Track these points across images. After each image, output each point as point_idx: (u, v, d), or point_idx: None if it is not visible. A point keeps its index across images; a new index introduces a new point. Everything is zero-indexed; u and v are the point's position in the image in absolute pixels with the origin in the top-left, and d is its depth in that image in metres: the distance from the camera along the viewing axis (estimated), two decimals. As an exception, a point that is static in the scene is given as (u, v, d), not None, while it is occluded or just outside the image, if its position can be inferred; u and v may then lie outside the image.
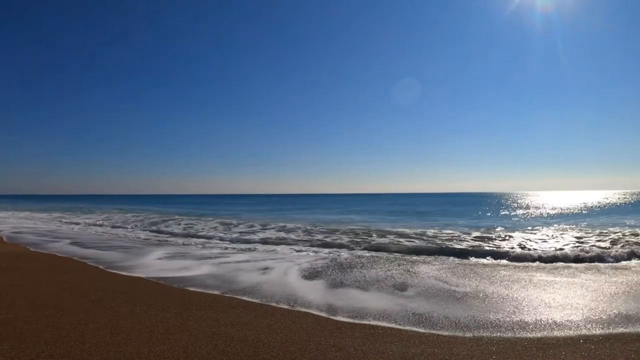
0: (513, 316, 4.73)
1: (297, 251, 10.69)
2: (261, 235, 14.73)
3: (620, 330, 4.20)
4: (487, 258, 9.40)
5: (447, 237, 13.42)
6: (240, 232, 15.70)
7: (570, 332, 4.13)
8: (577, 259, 8.87)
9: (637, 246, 9.21)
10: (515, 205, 50.81)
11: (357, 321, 4.57)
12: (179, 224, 20.03)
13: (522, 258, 9.14)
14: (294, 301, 5.44)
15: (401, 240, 12.37)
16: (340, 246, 11.55)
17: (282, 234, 14.95)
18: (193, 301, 5.37)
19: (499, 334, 4.13)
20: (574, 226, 18.82)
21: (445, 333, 4.16)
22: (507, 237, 13.66)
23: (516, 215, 29.59)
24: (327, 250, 10.91)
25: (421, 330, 4.27)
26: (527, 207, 43.17)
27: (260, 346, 3.67)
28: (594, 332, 4.14)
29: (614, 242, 10.61)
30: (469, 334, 4.12)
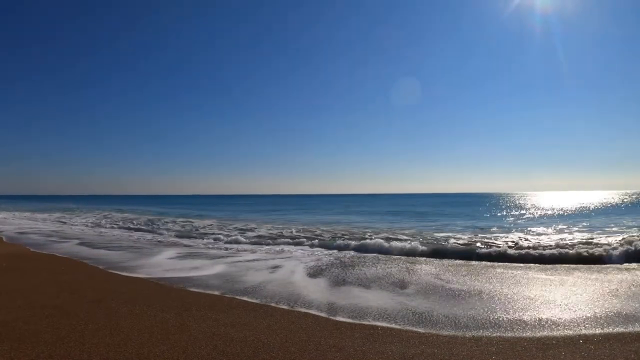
0: (512, 316, 4.74)
1: (301, 251, 10.73)
2: (265, 235, 14.77)
3: (620, 330, 4.20)
4: (486, 258, 9.40)
5: (444, 238, 13.44)
6: (242, 233, 15.70)
7: (570, 332, 4.14)
8: (576, 259, 8.88)
9: (635, 246, 9.22)
10: (514, 205, 50.85)
11: (356, 321, 4.58)
12: (181, 224, 20.06)
13: (520, 258, 9.14)
14: (294, 301, 5.44)
15: (400, 240, 12.38)
16: (340, 247, 11.56)
17: (283, 234, 14.97)
18: (193, 302, 5.37)
19: (498, 334, 4.13)
20: (572, 226, 18.84)
21: (445, 333, 4.17)
22: (505, 238, 13.68)
23: (514, 216, 29.62)
24: (327, 251, 10.93)
25: (421, 330, 4.27)
26: (526, 208, 43.21)
27: (260, 346, 3.67)
28: (593, 332, 4.15)
29: (612, 243, 10.63)
30: (468, 334, 4.12)
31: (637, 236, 11.59)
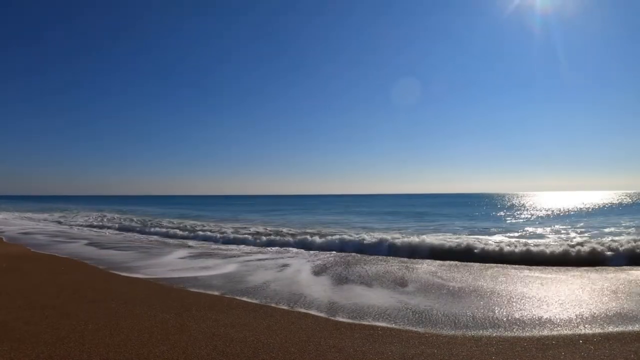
0: (512, 316, 4.74)
1: (303, 252, 10.77)
2: (271, 235, 14.79)
3: (620, 330, 4.21)
4: (485, 259, 9.41)
5: (443, 238, 13.42)
6: (245, 233, 15.69)
7: (570, 333, 4.14)
8: (575, 260, 8.88)
9: (635, 248, 9.22)
10: (514, 206, 50.89)
11: (356, 321, 4.58)
12: (183, 225, 20.01)
13: (520, 259, 9.15)
14: (295, 301, 5.45)
15: (399, 241, 12.37)
16: (339, 248, 11.54)
17: (285, 234, 14.96)
18: (193, 302, 5.37)
19: (498, 334, 4.13)
20: (571, 227, 18.86)
21: (445, 333, 4.17)
22: (504, 238, 13.68)
23: (514, 216, 29.65)
24: (327, 252, 10.93)
25: (420, 330, 4.28)
26: (525, 208, 43.25)
27: (260, 347, 3.68)
28: (593, 332, 4.15)
29: (610, 243, 10.63)
30: (468, 334, 4.13)
31: (631, 235, 11.61)
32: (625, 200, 64.94)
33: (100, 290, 5.98)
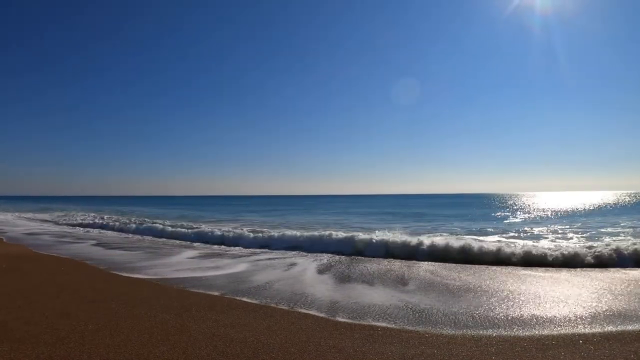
0: (512, 316, 4.74)
1: (305, 254, 10.80)
2: (270, 235, 14.75)
3: (619, 330, 4.21)
4: (484, 259, 9.41)
5: (441, 238, 13.41)
6: (245, 233, 15.67)
7: (569, 333, 4.14)
8: (574, 260, 8.87)
9: (634, 249, 9.22)
10: (513, 206, 50.90)
11: (356, 322, 4.58)
12: (184, 225, 19.97)
13: (519, 259, 9.13)
14: (295, 302, 5.45)
15: (398, 241, 12.36)
16: (338, 250, 11.51)
17: (286, 234, 14.93)
18: (193, 302, 5.37)
19: (498, 334, 4.14)
20: (571, 227, 18.87)
21: (445, 333, 4.18)
22: (503, 238, 13.69)
23: (513, 216, 29.66)
24: (326, 254, 10.93)
25: (420, 330, 4.28)
26: (525, 208, 43.27)
27: (260, 347, 3.68)
28: (593, 332, 4.16)
29: (611, 244, 10.63)
30: (468, 334, 4.13)
31: (629, 235, 11.61)
32: (625, 200, 64.97)
33: (101, 291, 5.98)
